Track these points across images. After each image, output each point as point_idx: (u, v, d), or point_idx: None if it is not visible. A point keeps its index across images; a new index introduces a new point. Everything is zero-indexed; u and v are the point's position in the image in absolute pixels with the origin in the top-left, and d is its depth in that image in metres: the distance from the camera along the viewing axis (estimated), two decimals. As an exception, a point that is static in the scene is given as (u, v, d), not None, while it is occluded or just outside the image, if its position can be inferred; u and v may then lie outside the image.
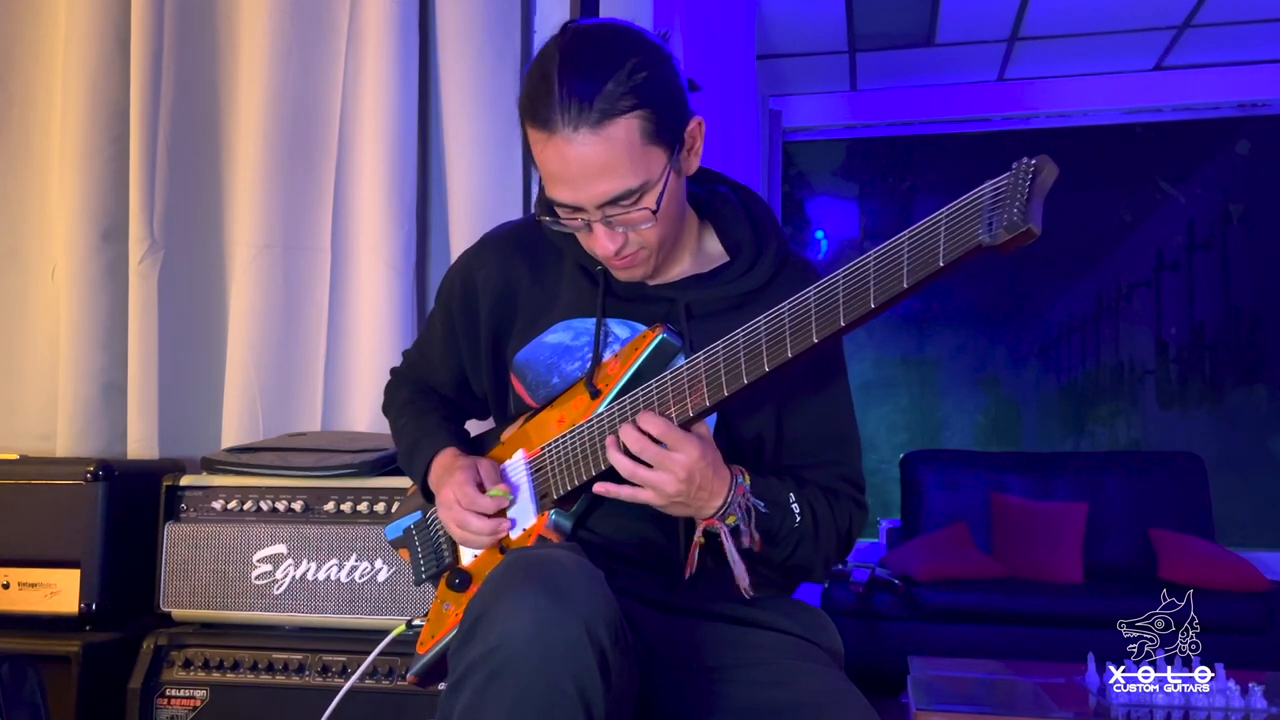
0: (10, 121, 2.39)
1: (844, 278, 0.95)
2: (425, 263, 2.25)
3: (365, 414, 2.14)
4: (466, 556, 1.28)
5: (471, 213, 2.12)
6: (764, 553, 1.15)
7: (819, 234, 5.27)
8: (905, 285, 0.90)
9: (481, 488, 1.21)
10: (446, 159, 2.17)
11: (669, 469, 1.06)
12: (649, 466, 1.08)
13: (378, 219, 2.14)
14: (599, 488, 1.12)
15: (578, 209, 1.11)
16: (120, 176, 2.24)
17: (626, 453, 1.09)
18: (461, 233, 2.12)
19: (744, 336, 1.03)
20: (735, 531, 1.11)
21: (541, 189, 1.17)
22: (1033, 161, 0.84)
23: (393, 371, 1.51)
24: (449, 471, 1.25)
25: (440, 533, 1.34)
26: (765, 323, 1.02)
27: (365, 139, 2.17)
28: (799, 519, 1.16)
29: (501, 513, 1.21)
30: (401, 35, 2.14)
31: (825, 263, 4.78)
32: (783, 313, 1.00)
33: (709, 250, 1.28)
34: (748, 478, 1.13)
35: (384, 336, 2.13)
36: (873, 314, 0.94)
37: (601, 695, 0.91)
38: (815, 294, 0.98)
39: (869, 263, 0.93)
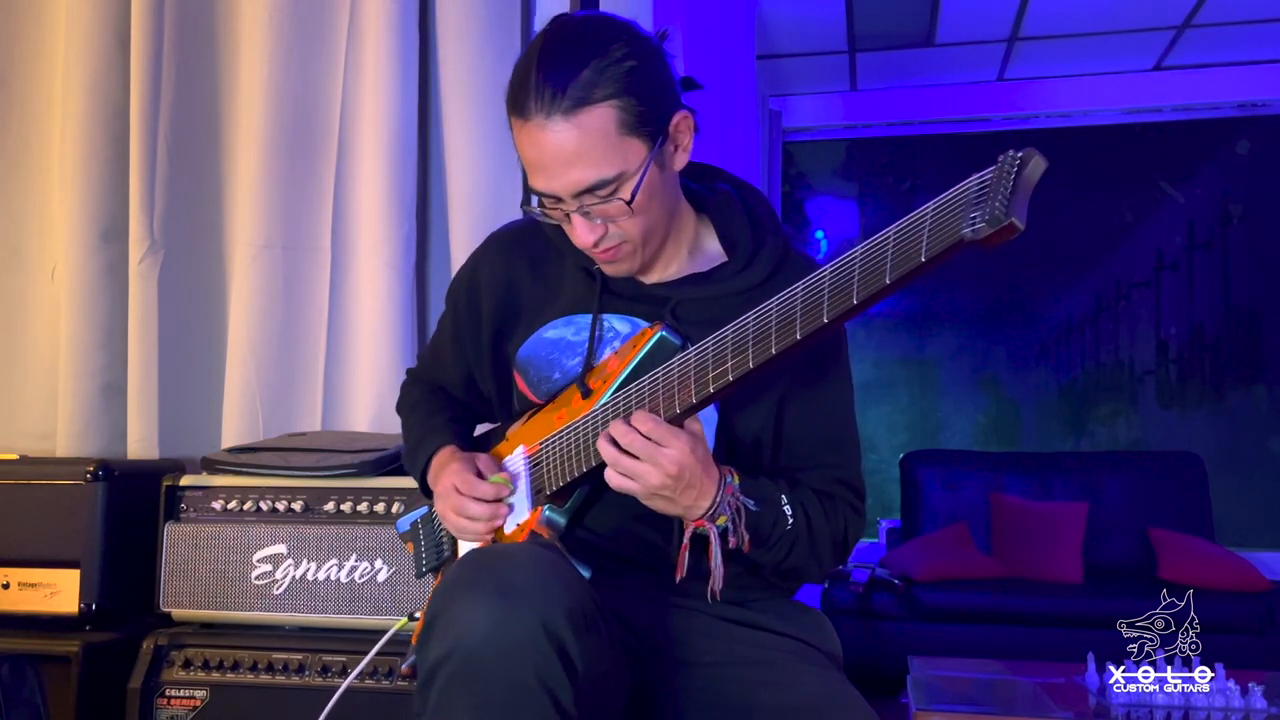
0: (10, 121, 2.39)
1: (830, 274, 0.94)
2: (425, 263, 2.25)
3: (365, 414, 2.14)
4: (464, 550, 1.28)
5: (471, 213, 2.12)
6: (756, 555, 1.13)
7: (819, 234, 5.26)
8: (888, 281, 0.88)
9: (482, 477, 1.21)
10: (446, 159, 2.17)
11: (657, 463, 1.04)
12: (635, 458, 1.06)
13: (378, 219, 2.14)
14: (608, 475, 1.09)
15: (556, 199, 1.11)
16: (120, 176, 2.23)
17: (616, 445, 1.07)
18: (461, 233, 2.12)
19: (733, 332, 1.01)
20: (725, 533, 1.09)
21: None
22: (1019, 155, 0.81)
23: (408, 371, 1.53)
24: (446, 465, 1.26)
25: (441, 527, 1.34)
26: (754, 319, 1.00)
27: (365, 139, 2.17)
28: (791, 521, 1.14)
29: (501, 500, 1.21)
30: (401, 35, 2.14)
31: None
32: (770, 309, 0.99)
33: (707, 248, 1.27)
34: (737, 477, 1.11)
35: (384, 336, 2.13)
36: (857, 310, 0.92)
37: (567, 685, 0.92)
38: (802, 290, 0.96)
39: (855, 258, 0.91)
